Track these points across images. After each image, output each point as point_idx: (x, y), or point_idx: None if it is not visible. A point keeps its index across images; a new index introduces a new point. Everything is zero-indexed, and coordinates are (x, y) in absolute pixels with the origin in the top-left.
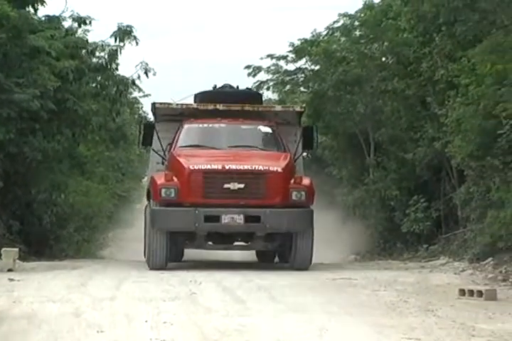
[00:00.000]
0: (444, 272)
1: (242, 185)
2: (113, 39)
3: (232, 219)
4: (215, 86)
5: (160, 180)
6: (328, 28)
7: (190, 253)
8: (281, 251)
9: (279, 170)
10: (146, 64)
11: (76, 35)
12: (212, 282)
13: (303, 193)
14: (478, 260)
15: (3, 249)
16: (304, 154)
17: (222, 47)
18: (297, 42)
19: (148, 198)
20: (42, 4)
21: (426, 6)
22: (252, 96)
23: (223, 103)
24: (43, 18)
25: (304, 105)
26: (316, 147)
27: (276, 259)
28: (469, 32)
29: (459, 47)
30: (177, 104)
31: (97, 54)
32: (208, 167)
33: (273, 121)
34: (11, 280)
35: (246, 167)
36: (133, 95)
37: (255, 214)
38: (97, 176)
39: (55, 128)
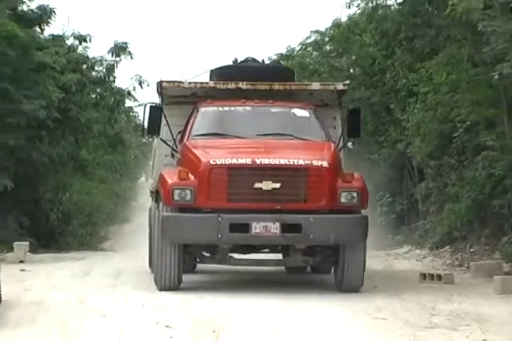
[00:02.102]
0: (407, 259)
1: (277, 185)
2: (110, 54)
3: (266, 228)
4: (236, 60)
5: (172, 178)
6: (301, 43)
7: None
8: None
9: (325, 164)
10: (140, 76)
11: (77, 52)
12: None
13: (355, 195)
14: (438, 248)
15: (15, 243)
16: (349, 144)
17: (201, 62)
18: (274, 57)
19: (156, 200)
20: (47, 24)
21: (388, 23)
22: (282, 71)
23: (247, 80)
24: (48, 37)
25: (347, 82)
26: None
27: (308, 269)
28: (427, 46)
29: (417, 59)
30: (190, 83)
31: (96, 68)
32: (234, 161)
33: (309, 102)
34: (23, 270)
35: (283, 161)
36: (128, 104)
37: (295, 221)
38: (98, 177)
39: (60, 134)
